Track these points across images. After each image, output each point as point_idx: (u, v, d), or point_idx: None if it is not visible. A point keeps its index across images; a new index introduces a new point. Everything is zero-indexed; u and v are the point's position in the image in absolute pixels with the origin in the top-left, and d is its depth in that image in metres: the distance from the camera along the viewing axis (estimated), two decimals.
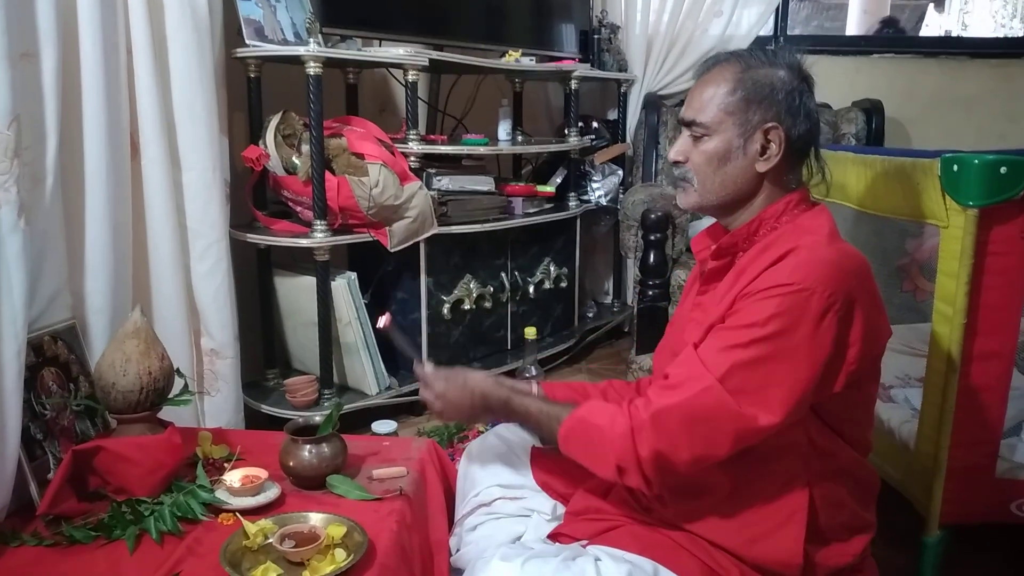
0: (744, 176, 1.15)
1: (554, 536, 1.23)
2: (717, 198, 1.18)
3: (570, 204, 2.99)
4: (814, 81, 1.17)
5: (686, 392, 1.05)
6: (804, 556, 1.10)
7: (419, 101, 2.44)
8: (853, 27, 5.81)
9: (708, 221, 1.31)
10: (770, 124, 1.13)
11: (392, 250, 2.29)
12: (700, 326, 1.16)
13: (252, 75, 2.20)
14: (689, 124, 1.17)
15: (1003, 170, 1.37)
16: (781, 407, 1.03)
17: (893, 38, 4.68)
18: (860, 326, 1.06)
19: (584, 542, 1.17)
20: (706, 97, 1.15)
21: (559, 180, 3.02)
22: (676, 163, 1.20)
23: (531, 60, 2.80)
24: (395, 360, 2.39)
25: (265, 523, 1.21)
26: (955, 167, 1.41)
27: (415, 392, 2.21)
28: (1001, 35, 5.22)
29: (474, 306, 2.59)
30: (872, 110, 3.27)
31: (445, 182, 2.49)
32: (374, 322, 2.28)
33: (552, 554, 1.09)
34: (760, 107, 1.13)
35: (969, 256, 1.42)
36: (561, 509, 1.33)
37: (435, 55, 2.41)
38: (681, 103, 3.36)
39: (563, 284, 2.97)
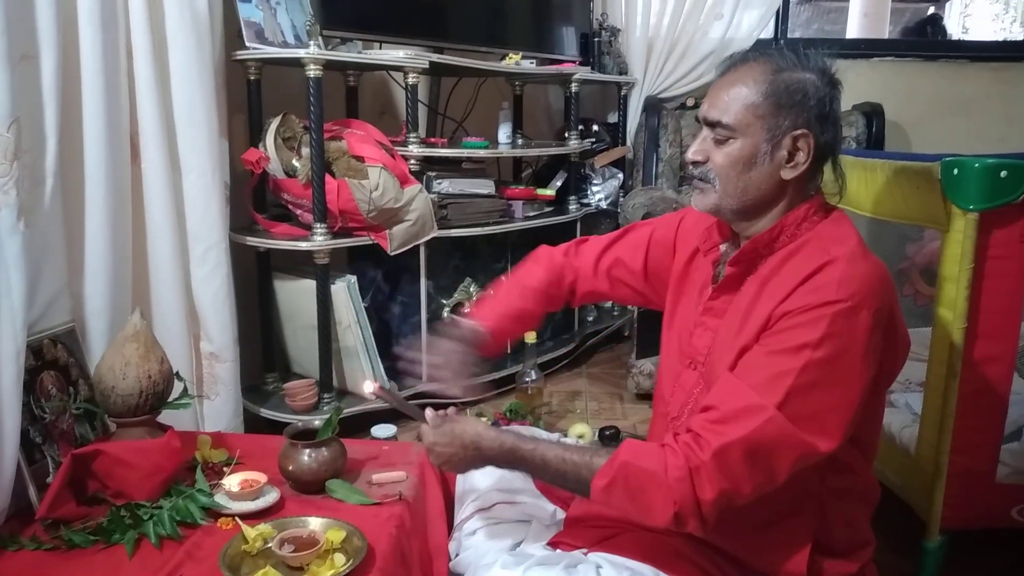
0: (768, 183, 1.09)
1: (554, 544, 1.22)
2: (738, 203, 1.10)
3: (570, 207, 2.98)
4: (842, 86, 1.13)
5: (747, 425, 0.98)
6: (809, 566, 1.09)
7: (419, 104, 2.44)
8: (854, 30, 5.82)
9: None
10: (800, 131, 1.07)
11: (392, 253, 2.29)
12: (712, 332, 1.14)
13: (252, 77, 2.19)
14: (712, 125, 1.09)
15: (1003, 174, 1.37)
16: (838, 430, 1.00)
17: (894, 41, 4.67)
18: (897, 338, 1.06)
19: (584, 550, 1.16)
20: (732, 96, 1.07)
21: (559, 183, 3.02)
22: (695, 163, 1.12)
23: (531, 63, 2.80)
24: (395, 364, 2.38)
25: (264, 527, 1.21)
26: (955, 171, 1.41)
27: (414, 396, 2.20)
28: (1001, 38, 5.22)
29: None
30: (872, 113, 3.26)
31: (445, 185, 2.48)
32: (374, 326, 2.29)
33: (554, 561, 1.08)
34: (791, 112, 1.06)
35: (969, 260, 1.42)
36: (561, 514, 1.32)
37: (435, 58, 2.41)
38: (682, 106, 3.39)
39: None
